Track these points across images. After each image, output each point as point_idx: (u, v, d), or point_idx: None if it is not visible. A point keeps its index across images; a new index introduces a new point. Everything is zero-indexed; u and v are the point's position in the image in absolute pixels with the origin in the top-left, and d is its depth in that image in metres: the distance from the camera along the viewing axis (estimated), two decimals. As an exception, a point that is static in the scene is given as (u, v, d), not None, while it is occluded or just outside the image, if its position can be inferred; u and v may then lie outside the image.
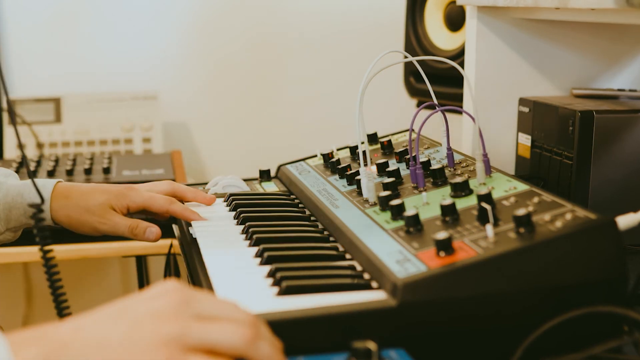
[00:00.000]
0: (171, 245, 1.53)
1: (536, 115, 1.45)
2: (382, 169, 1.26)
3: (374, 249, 0.98)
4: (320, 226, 1.19)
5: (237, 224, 1.21)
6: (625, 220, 0.93)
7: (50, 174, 1.93)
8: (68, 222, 1.26)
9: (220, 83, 2.53)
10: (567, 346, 0.86)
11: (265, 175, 1.52)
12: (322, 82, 2.54)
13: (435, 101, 1.24)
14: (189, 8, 2.48)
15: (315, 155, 1.50)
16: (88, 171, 1.95)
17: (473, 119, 1.14)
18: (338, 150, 1.48)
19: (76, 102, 2.31)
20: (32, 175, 1.10)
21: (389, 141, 1.40)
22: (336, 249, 1.07)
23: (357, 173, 1.23)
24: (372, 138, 1.47)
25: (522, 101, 1.50)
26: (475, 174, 1.13)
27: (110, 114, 2.31)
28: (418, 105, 1.94)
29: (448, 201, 1.01)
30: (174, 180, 1.83)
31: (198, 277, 1.03)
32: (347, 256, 1.04)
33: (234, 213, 1.26)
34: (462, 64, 1.50)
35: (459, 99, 1.63)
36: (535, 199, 0.99)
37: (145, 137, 2.31)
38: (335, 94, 2.52)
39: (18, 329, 0.71)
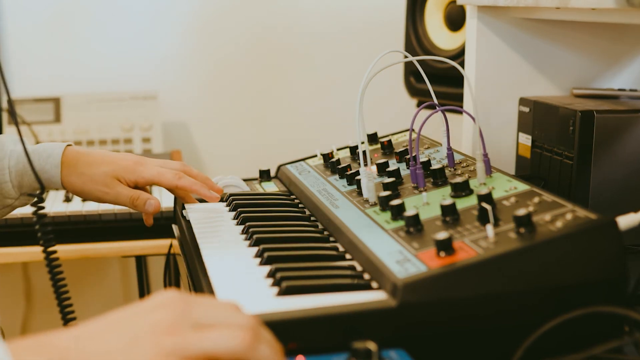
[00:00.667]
0: (171, 246, 1.53)
1: (536, 115, 1.44)
2: (382, 169, 1.25)
3: (374, 249, 0.98)
4: (320, 226, 1.19)
5: (237, 224, 1.21)
6: (625, 220, 0.92)
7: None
8: (72, 189, 1.26)
9: (220, 83, 2.52)
10: (568, 346, 0.86)
11: (265, 175, 1.52)
12: (322, 82, 2.54)
13: (436, 101, 1.24)
14: (189, 8, 2.48)
15: (315, 155, 1.50)
16: (88, 171, 1.95)
17: (473, 118, 1.14)
18: (338, 150, 1.48)
19: (76, 102, 2.31)
20: (35, 175, 1.10)
21: (389, 141, 1.40)
22: (336, 249, 1.07)
23: (357, 173, 1.22)
24: (372, 138, 1.47)
25: (523, 101, 1.50)
26: (475, 174, 1.13)
27: (109, 114, 2.31)
28: (418, 105, 1.94)
29: (448, 201, 1.01)
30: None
31: (198, 277, 1.03)
32: (347, 256, 1.04)
33: (233, 213, 1.26)
34: (462, 64, 1.49)
35: (459, 98, 1.63)
36: (536, 199, 0.99)
37: (145, 137, 2.31)
38: (335, 93, 2.52)
39: (18, 329, 0.71)
